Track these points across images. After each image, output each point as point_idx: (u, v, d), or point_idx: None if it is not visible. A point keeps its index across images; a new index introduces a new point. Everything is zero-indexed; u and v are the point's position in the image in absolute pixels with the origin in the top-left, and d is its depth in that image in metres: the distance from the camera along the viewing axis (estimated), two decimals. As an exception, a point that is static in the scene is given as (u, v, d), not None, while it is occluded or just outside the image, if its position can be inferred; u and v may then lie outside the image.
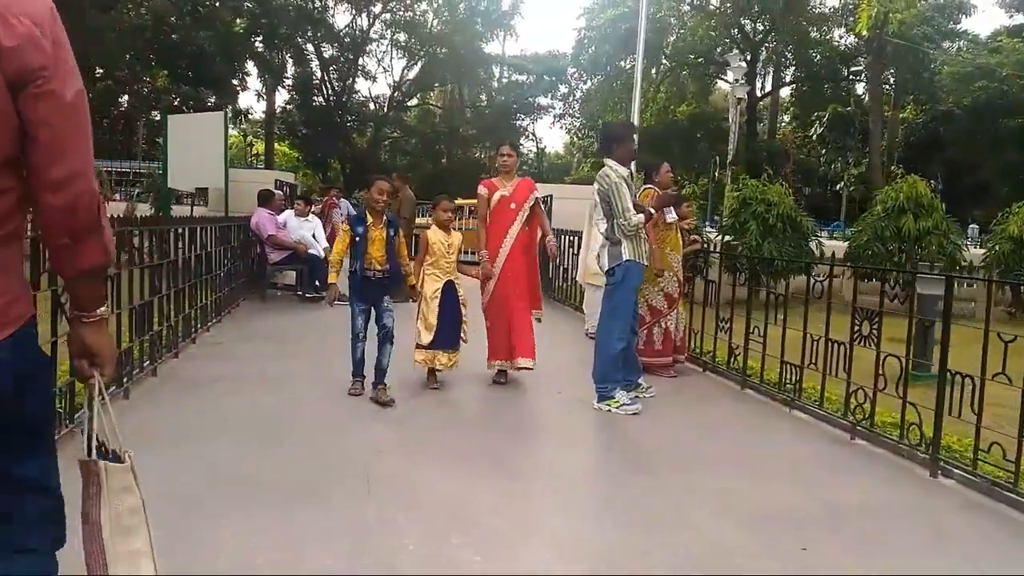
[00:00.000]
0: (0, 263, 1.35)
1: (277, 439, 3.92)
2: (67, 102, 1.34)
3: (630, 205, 4.70)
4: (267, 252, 9.44)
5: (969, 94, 23.17)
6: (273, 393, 4.87)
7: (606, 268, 4.83)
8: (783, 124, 36.55)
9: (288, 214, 10.07)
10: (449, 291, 5.16)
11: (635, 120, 15.75)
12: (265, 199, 9.53)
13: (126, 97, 35.96)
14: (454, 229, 5.36)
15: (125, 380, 4.56)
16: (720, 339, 5.90)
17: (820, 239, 11.14)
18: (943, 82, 27.20)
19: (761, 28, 30.97)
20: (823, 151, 26.29)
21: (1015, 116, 22.66)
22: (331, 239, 15.53)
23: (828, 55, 31.24)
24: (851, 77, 32.21)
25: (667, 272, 5.77)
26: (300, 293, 9.63)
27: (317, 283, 9.68)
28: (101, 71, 34.24)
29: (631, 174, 4.90)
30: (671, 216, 5.49)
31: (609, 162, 4.83)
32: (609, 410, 4.71)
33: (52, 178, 1.34)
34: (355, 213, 5.07)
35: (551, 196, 10.97)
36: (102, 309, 1.50)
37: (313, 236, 10.15)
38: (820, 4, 30.15)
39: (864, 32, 15.24)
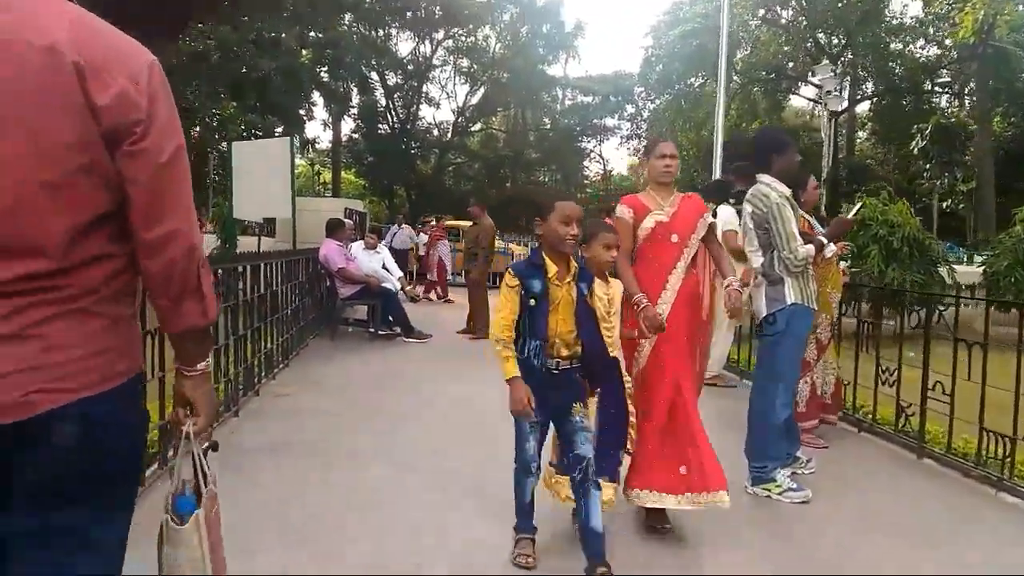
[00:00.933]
0: (109, 318, 1.33)
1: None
2: (162, 161, 1.30)
3: (796, 232, 3.68)
4: (337, 286, 8.66)
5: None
6: (351, 484, 3.74)
7: (763, 314, 3.81)
8: (861, 140, 34.79)
9: (357, 246, 9.31)
10: (612, 378, 3.01)
11: (718, 139, 14.71)
12: (333, 229, 8.77)
13: (196, 129, 36.49)
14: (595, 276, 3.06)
15: (169, 453, 3.70)
16: (881, 391, 4.81)
17: (951, 265, 9.83)
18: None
19: (837, 41, 29.46)
20: (926, 166, 24.52)
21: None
22: (440, 273, 14.99)
23: (909, 67, 29.51)
24: (935, 89, 30.42)
25: (824, 315, 4.70)
26: (372, 330, 8.82)
27: (391, 318, 8.88)
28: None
29: (790, 194, 3.86)
30: (831, 249, 4.31)
31: (765, 178, 3.82)
32: (769, 496, 3.67)
33: (147, 240, 1.32)
34: (528, 259, 2.96)
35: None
36: (203, 364, 1.50)
37: (384, 268, 9.39)
38: (901, 15, 28.56)
39: (970, 37, 13.80)
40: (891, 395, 4.72)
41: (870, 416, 4.97)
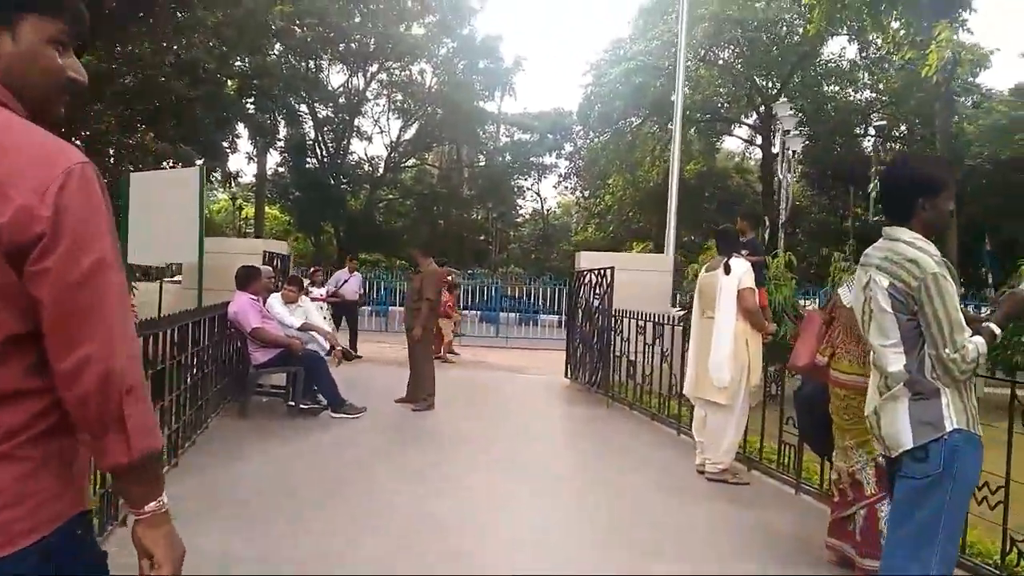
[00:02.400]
0: (34, 461, 1.21)
1: None
2: (71, 280, 1.17)
3: (963, 321, 2.38)
4: (250, 350, 7.05)
5: (1006, 147, 21.42)
6: None
7: (905, 445, 2.48)
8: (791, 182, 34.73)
9: (275, 299, 7.71)
10: None
11: (673, 182, 13.70)
12: (246, 280, 7.18)
13: (112, 158, 33.99)
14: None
15: None
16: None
17: None
18: (967, 137, 25.57)
19: (770, 85, 29.32)
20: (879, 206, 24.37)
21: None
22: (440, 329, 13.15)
23: (841, 111, 29.55)
24: (868, 133, 30.57)
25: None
26: (292, 403, 7.20)
27: (315, 388, 7.30)
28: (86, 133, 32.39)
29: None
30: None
31: (904, 233, 2.55)
32: None
33: (60, 369, 1.20)
34: None
35: (612, 268, 8.66)
36: (153, 504, 1.31)
37: (304, 324, 7.81)
38: (838, 57, 28.56)
39: (932, 76, 13.21)
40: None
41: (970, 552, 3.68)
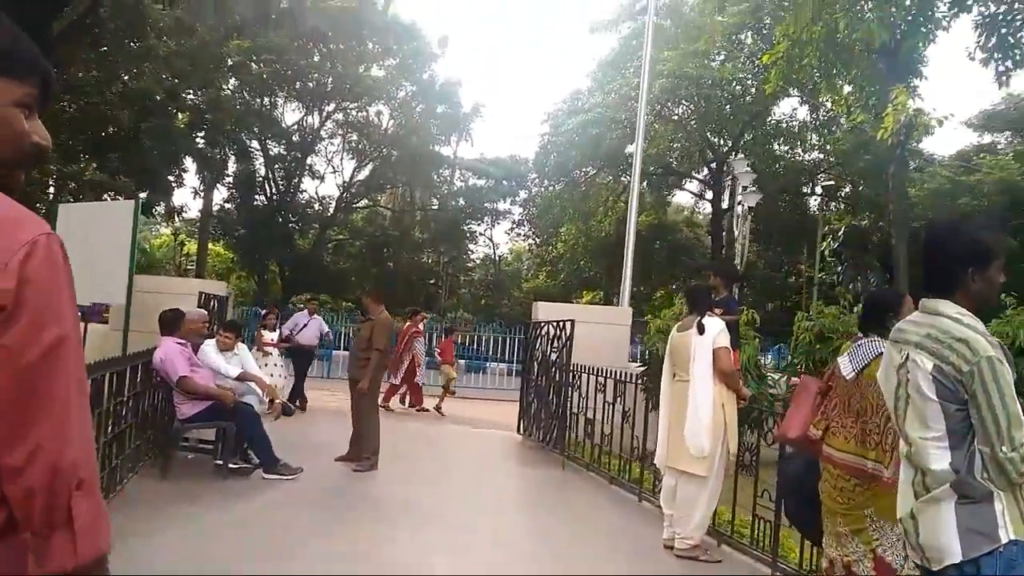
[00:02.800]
0: None
1: None
2: (28, 360, 1.08)
3: (1021, 414, 1.99)
4: (176, 401, 6.39)
5: (950, 211, 21.93)
6: None
7: (952, 557, 2.06)
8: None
9: (210, 346, 7.07)
10: None
11: (630, 234, 13.50)
12: (170, 324, 6.52)
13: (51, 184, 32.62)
14: None
15: None
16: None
17: None
18: (910, 200, 26.21)
19: (721, 143, 29.73)
20: (838, 268, 24.47)
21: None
22: (410, 376, 12.26)
23: (789, 169, 30.07)
24: (815, 192, 31.17)
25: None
26: (220, 461, 6.53)
27: (247, 446, 6.66)
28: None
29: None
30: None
31: (948, 307, 2.19)
32: None
33: (5, 464, 1.10)
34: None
35: (572, 321, 8.23)
36: None
37: (241, 374, 7.19)
38: (790, 118, 29.13)
39: (888, 139, 13.32)
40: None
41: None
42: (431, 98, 30.19)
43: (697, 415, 5.08)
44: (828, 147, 27.28)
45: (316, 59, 28.94)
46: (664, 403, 5.50)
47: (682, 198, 36.01)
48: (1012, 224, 23.77)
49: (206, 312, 8.03)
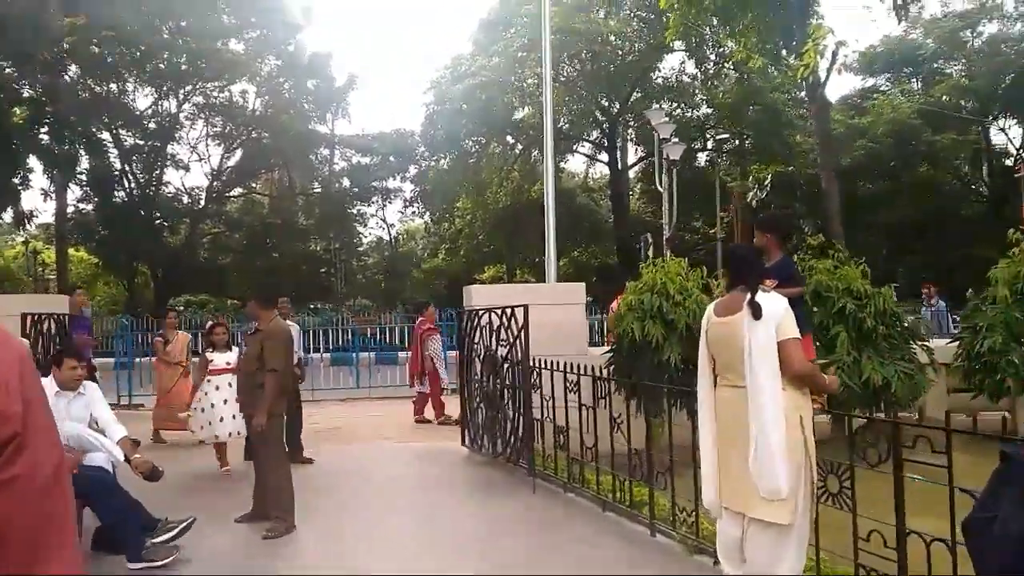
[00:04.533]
0: None
1: None
2: (36, 486, 1.02)
3: None
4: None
5: (844, 156, 21.53)
6: None
7: None
8: (635, 199, 34.30)
9: (47, 386, 4.79)
10: None
11: (548, 201, 11.75)
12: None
13: None
14: None
15: None
16: None
17: (927, 344, 7.22)
18: (800, 147, 25.94)
19: (608, 104, 28.46)
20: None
21: (886, 177, 21.42)
22: (434, 383, 9.73)
23: (680, 127, 29.17)
24: (704, 148, 30.46)
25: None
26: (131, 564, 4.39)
27: (102, 524, 4.56)
28: None
29: None
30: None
31: None
32: None
33: None
34: None
35: (525, 307, 6.42)
36: None
37: (94, 425, 5.07)
38: (678, 74, 28.11)
39: (807, 76, 12.20)
40: None
41: None
42: (300, 72, 27.39)
43: (767, 440, 3.40)
44: (714, 101, 26.53)
45: (165, 36, 25.53)
46: (706, 419, 3.80)
47: (573, 164, 34.73)
48: (903, 162, 23.82)
49: (25, 343, 5.71)
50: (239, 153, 29.37)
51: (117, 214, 27.47)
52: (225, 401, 7.13)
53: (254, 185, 32.23)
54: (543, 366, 6.45)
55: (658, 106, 28.29)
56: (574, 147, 30.88)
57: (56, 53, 25.16)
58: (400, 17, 74.64)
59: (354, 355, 15.37)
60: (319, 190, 31.40)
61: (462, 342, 7.86)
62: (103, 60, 25.70)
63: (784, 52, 18.60)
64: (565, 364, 6.23)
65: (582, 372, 5.95)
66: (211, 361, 7.37)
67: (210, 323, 8.40)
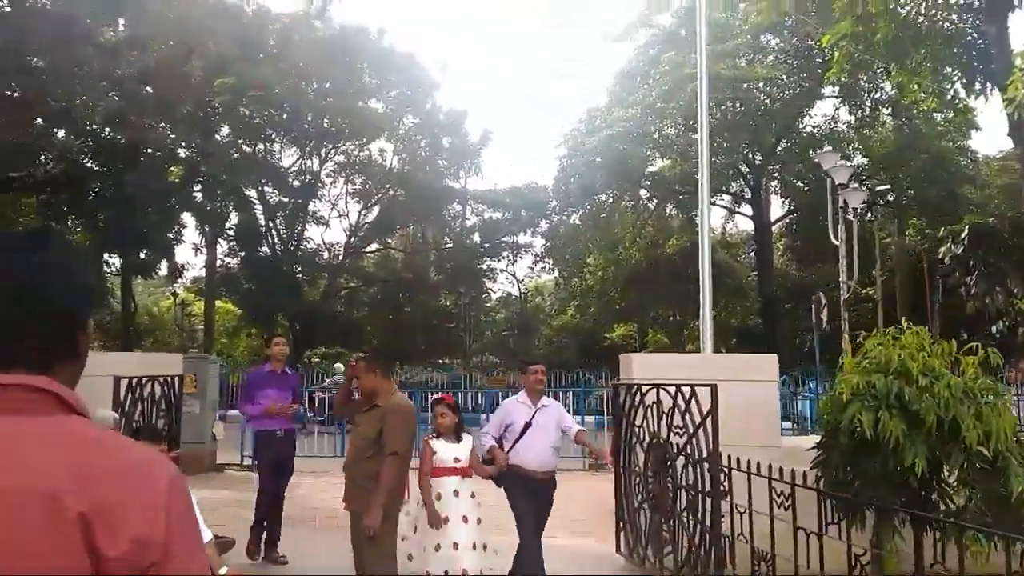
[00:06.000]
0: None
1: None
2: None
3: None
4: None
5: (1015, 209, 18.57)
6: None
7: None
8: (778, 255, 31.76)
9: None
10: None
11: (704, 259, 10.01)
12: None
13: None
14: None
15: None
16: None
17: None
18: (970, 199, 22.99)
19: (751, 155, 26.43)
20: (967, 278, 20.45)
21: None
22: None
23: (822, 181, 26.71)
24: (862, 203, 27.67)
25: None
26: None
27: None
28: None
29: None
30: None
31: None
32: None
33: None
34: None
35: (714, 387, 4.83)
36: None
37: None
38: (824, 125, 25.81)
39: (1014, 112, 10.06)
40: None
41: None
42: (436, 130, 27.15)
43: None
44: (869, 151, 23.96)
45: (310, 96, 26.00)
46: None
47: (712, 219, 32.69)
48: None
49: (114, 416, 4.68)
50: (376, 209, 29.40)
51: (261, 268, 27.94)
52: (465, 519, 4.87)
53: (389, 240, 32.22)
54: (735, 465, 4.83)
55: (813, 154, 26.18)
56: (713, 199, 28.92)
57: (209, 113, 26.17)
58: (533, 72, 75.23)
59: (485, 418, 14.08)
60: (451, 245, 30.94)
61: (618, 422, 6.33)
62: (251, 121, 26.51)
63: (963, 92, 16.29)
64: (768, 467, 4.59)
65: (798, 482, 4.28)
66: (435, 453, 5.03)
67: (435, 397, 5.85)
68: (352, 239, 29.76)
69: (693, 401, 5.05)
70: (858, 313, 25.35)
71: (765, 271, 26.13)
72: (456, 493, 4.95)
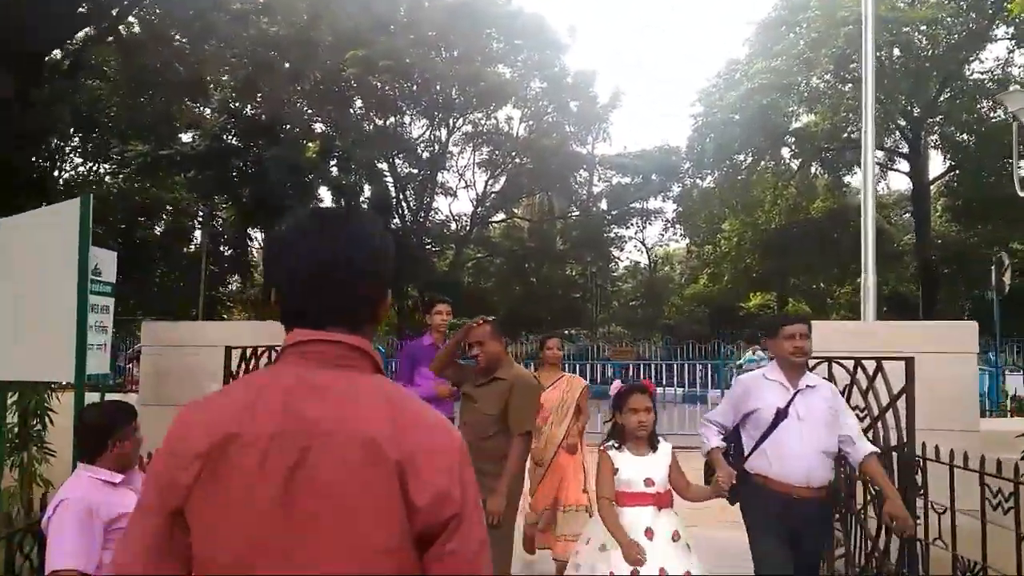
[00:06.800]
0: None
1: None
2: (465, 559, 1.16)
3: None
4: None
5: None
6: None
7: None
8: (935, 216, 28.79)
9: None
10: None
11: (868, 222, 8.69)
12: (94, 443, 2.86)
13: (198, 233, 31.47)
14: None
15: None
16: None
17: None
18: None
19: (910, 107, 23.79)
20: None
21: None
22: None
23: (994, 133, 23.60)
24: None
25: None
26: None
27: None
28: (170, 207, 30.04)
29: None
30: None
31: None
32: None
33: None
34: None
35: (909, 359, 3.92)
36: None
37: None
38: (1000, 72, 22.82)
39: None
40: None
41: None
42: (564, 93, 26.28)
43: None
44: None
45: (440, 65, 25.79)
46: None
47: (859, 178, 29.96)
48: None
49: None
50: (502, 179, 29.05)
51: (393, 240, 28.28)
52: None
53: (515, 210, 31.87)
54: (932, 455, 3.92)
55: (970, 107, 23.30)
56: (857, 162, 26.46)
57: (343, 88, 26.55)
58: (665, 29, 71.55)
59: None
60: (577, 213, 30.17)
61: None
62: (383, 93, 26.69)
63: None
64: (979, 459, 3.66)
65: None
66: (616, 471, 3.47)
67: (624, 385, 3.75)
68: (479, 209, 29.61)
69: (879, 378, 4.15)
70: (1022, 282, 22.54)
71: (923, 233, 23.65)
72: (649, 533, 3.30)
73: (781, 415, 3.51)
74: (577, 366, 13.97)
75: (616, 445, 3.51)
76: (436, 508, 1.11)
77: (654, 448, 3.51)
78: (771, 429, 3.52)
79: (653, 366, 15.92)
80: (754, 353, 10.72)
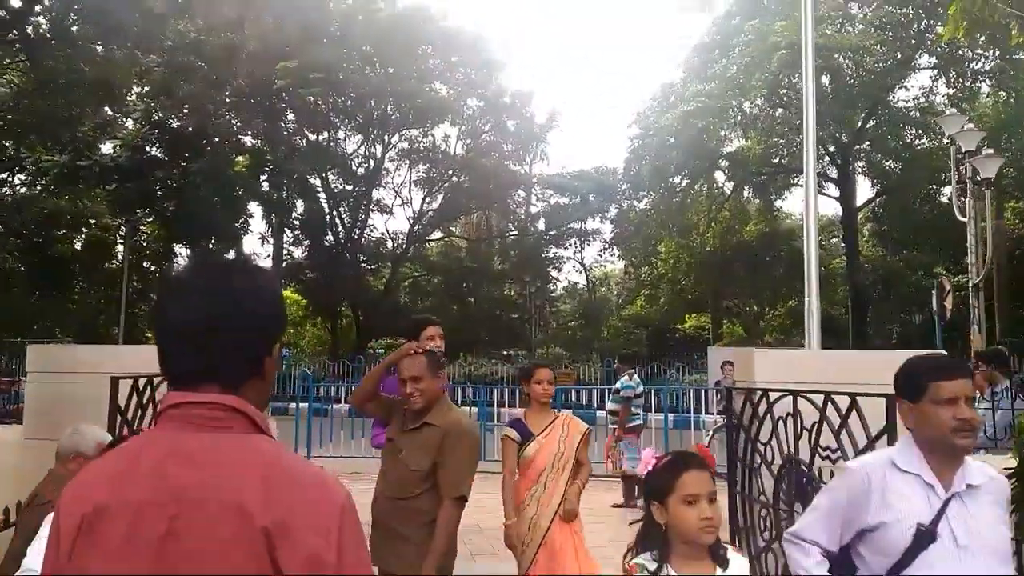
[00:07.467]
0: None
1: None
2: None
3: None
4: None
5: None
6: None
7: None
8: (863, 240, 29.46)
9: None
10: None
11: (810, 246, 8.43)
12: None
13: (120, 247, 29.76)
14: None
15: None
16: None
17: None
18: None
19: (838, 135, 24.26)
20: None
21: None
22: None
23: (919, 159, 24.25)
24: (946, 182, 25.29)
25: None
26: None
27: None
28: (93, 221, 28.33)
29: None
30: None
31: None
32: None
33: None
34: None
35: (889, 396, 3.46)
36: None
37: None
38: (925, 95, 23.52)
39: None
40: None
41: None
42: (501, 112, 25.95)
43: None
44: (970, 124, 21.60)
45: (374, 81, 25.10)
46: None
47: (790, 203, 30.48)
48: None
49: (105, 437, 3.59)
50: (440, 197, 28.47)
51: (325, 257, 27.38)
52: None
53: (453, 229, 31.29)
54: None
55: (893, 135, 23.89)
56: (793, 181, 26.83)
57: (274, 100, 25.58)
58: (601, 50, 72.33)
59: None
60: (515, 233, 29.78)
61: (733, 435, 5.01)
62: (316, 107, 25.83)
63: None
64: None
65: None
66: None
67: (667, 457, 2.38)
68: (415, 227, 28.91)
69: (854, 416, 3.70)
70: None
71: (853, 257, 24.08)
72: None
73: (926, 536, 2.12)
74: (516, 391, 13.33)
75: (655, 557, 2.10)
76: (307, 572, 1.04)
77: (723, 564, 2.09)
78: (910, 557, 2.13)
79: (595, 391, 15.46)
80: (630, 379, 9.00)
